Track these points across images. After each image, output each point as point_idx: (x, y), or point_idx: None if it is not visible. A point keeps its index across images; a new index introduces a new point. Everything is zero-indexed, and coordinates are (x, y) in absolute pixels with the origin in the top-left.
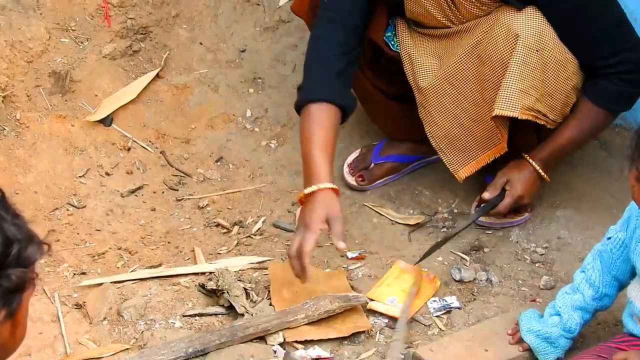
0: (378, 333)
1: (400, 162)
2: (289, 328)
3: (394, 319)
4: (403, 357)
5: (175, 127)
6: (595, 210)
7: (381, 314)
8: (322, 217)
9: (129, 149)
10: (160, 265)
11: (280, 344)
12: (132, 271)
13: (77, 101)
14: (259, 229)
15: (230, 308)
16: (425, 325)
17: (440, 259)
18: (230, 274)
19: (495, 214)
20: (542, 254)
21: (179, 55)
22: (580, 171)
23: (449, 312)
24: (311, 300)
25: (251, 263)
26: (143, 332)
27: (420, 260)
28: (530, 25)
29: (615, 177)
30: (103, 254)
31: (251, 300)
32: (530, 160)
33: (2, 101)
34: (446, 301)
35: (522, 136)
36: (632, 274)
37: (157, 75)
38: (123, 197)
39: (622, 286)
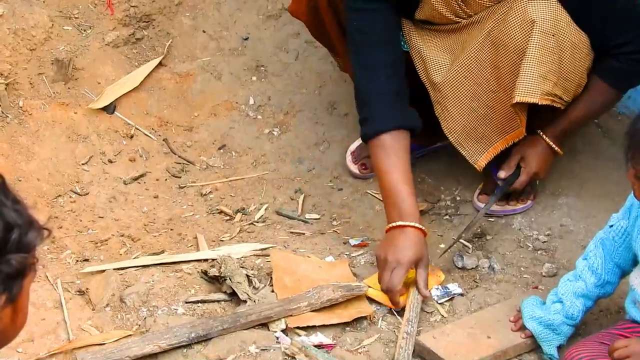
0: (380, 320)
1: None
2: (291, 315)
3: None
4: None
5: (178, 114)
6: (597, 198)
7: (379, 303)
8: (415, 259)
9: (131, 137)
10: (163, 252)
11: (283, 331)
12: (134, 258)
13: (79, 89)
14: (262, 216)
15: (233, 295)
16: (427, 313)
17: (442, 246)
18: (233, 261)
19: (512, 191)
20: (545, 242)
21: (181, 43)
22: (582, 159)
23: (451, 299)
24: (314, 289)
25: (254, 250)
26: (146, 318)
27: (444, 252)
28: (546, 10)
29: (618, 164)
30: (106, 240)
31: (254, 287)
32: (544, 137)
33: (5, 89)
34: (448, 288)
35: (538, 116)
36: (634, 262)
37: (160, 63)
38: (126, 184)
39: (624, 274)
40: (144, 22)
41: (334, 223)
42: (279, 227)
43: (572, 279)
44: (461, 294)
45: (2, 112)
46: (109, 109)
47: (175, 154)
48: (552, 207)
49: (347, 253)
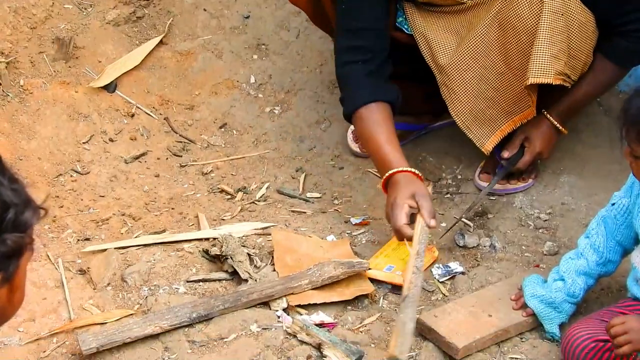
0: (382, 298)
1: (404, 130)
2: (292, 293)
3: (394, 285)
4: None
5: (179, 93)
6: (598, 177)
7: (380, 281)
8: (409, 194)
9: (132, 115)
10: (164, 231)
11: (284, 310)
12: (136, 237)
13: (80, 67)
14: (263, 195)
15: (234, 274)
16: (428, 291)
17: (444, 224)
18: (234, 239)
19: (516, 170)
20: (546, 220)
21: (182, 22)
22: (584, 137)
23: (452, 277)
24: (315, 267)
25: (255, 229)
26: (147, 297)
27: (444, 234)
28: None
29: (619, 143)
30: (107, 219)
31: (255, 266)
32: (548, 116)
33: (6, 67)
34: (450, 267)
35: (544, 96)
36: (636, 240)
37: (161, 42)
38: (127, 163)
39: (626, 252)
40: (145, 0)
41: (335, 202)
42: (280, 206)
43: (574, 257)
44: (462, 273)
45: (3, 91)
46: (110, 87)
47: (176, 132)
48: (554, 186)
49: (349, 232)
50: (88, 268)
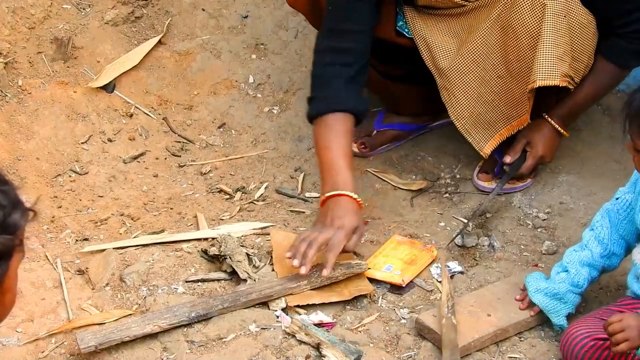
0: (380, 298)
1: (403, 130)
2: (291, 294)
3: (392, 285)
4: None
5: (177, 93)
6: (597, 176)
7: (379, 281)
8: (355, 226)
9: (131, 115)
10: (162, 231)
11: (283, 309)
12: (134, 237)
13: (79, 67)
14: (262, 194)
15: (233, 273)
16: (427, 291)
17: (442, 224)
18: (233, 239)
19: (518, 176)
20: (545, 219)
21: (181, 22)
22: (583, 136)
23: (451, 277)
24: (314, 267)
25: (254, 229)
26: (145, 297)
27: (451, 241)
28: None
29: (618, 142)
30: (105, 220)
31: (254, 266)
32: (550, 120)
33: (4, 67)
34: (449, 266)
35: (544, 100)
36: (638, 237)
37: (160, 42)
38: (125, 163)
39: (629, 248)
40: (143, 0)
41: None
42: (278, 206)
43: (578, 249)
44: (461, 272)
45: (1, 91)
46: (109, 87)
47: (174, 132)
48: (552, 185)
49: None
50: (87, 268)
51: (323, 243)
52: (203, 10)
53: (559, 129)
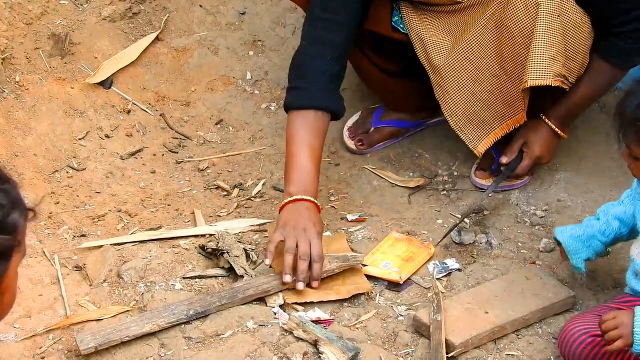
0: (378, 295)
1: (401, 127)
2: (289, 289)
3: (390, 282)
4: None
5: (175, 89)
6: (595, 173)
7: (376, 278)
8: (321, 230)
9: (129, 112)
10: (160, 227)
11: (281, 307)
12: (132, 234)
13: (76, 64)
14: (259, 191)
15: (231, 270)
16: (425, 288)
17: (440, 221)
18: (231, 236)
19: (515, 177)
20: (542, 217)
21: (179, 18)
22: (580, 134)
23: (449, 274)
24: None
25: (251, 226)
26: (143, 294)
27: (443, 239)
28: None
29: (615, 140)
30: (103, 216)
31: (251, 262)
32: (547, 120)
33: (2, 63)
34: (446, 264)
35: (539, 100)
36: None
37: (157, 38)
38: (123, 159)
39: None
40: None
41: (332, 198)
42: (276, 203)
43: (615, 205)
44: (459, 270)
45: None
46: (106, 84)
47: (172, 129)
48: (550, 183)
49: (345, 228)
50: (84, 265)
51: (307, 254)
52: (201, 6)
53: (557, 130)
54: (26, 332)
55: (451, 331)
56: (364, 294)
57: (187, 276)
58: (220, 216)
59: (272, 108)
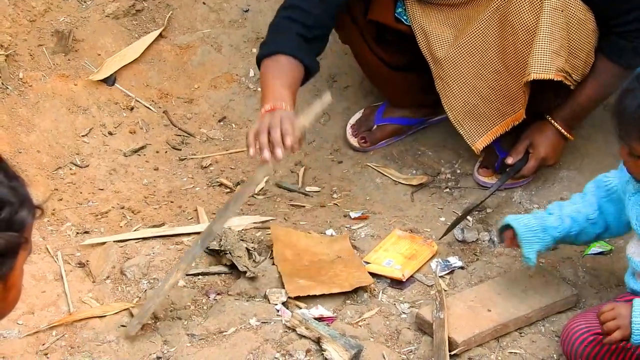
0: (381, 293)
1: (403, 124)
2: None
3: (393, 280)
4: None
5: (178, 86)
6: (597, 171)
7: (379, 276)
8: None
9: (132, 109)
10: (163, 224)
11: (283, 304)
12: (135, 230)
13: (80, 60)
14: (262, 188)
15: (233, 267)
16: (427, 286)
17: (443, 219)
18: (233, 233)
19: (520, 177)
20: None
21: (182, 15)
22: (583, 132)
23: (451, 272)
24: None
25: (254, 223)
26: (146, 290)
27: (444, 235)
28: None
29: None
30: (106, 213)
31: (254, 260)
32: (552, 121)
33: (5, 60)
34: (449, 261)
35: (542, 99)
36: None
37: (160, 35)
38: (126, 156)
39: (606, 228)
40: None
41: (335, 196)
42: (279, 200)
43: (567, 203)
44: (461, 267)
45: (2, 84)
46: (109, 80)
47: (175, 126)
48: (553, 181)
49: (347, 226)
50: (87, 261)
51: (277, 124)
52: (204, 3)
53: (563, 131)
54: (29, 328)
55: (453, 329)
56: (366, 291)
57: (190, 273)
58: None
59: None
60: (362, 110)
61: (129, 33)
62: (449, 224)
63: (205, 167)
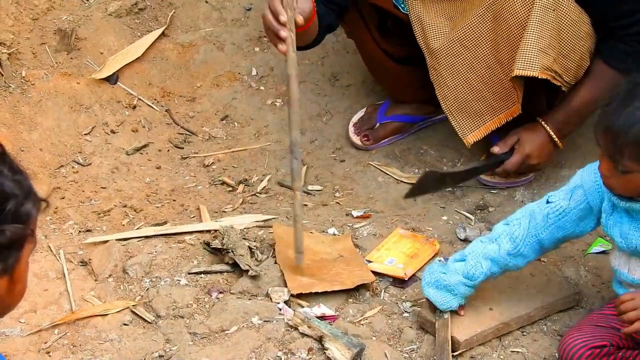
0: (383, 292)
1: (406, 122)
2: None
3: (395, 278)
4: None
5: (180, 85)
6: None
7: (381, 274)
8: None
9: (134, 107)
10: (165, 223)
11: (286, 302)
12: (137, 229)
13: (82, 59)
14: (264, 187)
15: (235, 265)
16: None
17: (445, 218)
18: (236, 231)
19: (502, 171)
20: None
21: (184, 14)
22: (584, 131)
23: None
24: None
25: (256, 221)
26: (148, 289)
27: (410, 194)
28: None
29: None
30: (108, 211)
31: (256, 259)
32: (544, 124)
33: (8, 58)
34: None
35: (533, 100)
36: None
37: (163, 34)
38: (128, 154)
39: (542, 250)
40: None
41: (337, 194)
42: (281, 198)
43: (486, 241)
44: None
45: (5, 82)
46: (112, 79)
47: (177, 124)
48: (555, 179)
49: (350, 224)
50: (89, 259)
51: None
52: (206, 2)
53: (552, 134)
54: (31, 326)
55: (456, 328)
56: (368, 289)
57: (192, 271)
58: (225, 211)
59: (277, 104)
60: (364, 109)
61: (132, 31)
62: (451, 222)
63: (207, 166)
